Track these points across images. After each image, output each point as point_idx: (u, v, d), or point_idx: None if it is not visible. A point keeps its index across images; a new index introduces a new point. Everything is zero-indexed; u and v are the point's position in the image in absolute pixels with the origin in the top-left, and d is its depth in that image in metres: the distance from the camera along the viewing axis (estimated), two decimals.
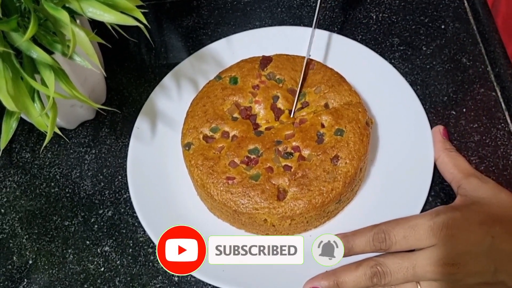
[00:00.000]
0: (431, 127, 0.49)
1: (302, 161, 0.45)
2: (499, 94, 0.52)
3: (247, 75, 0.51)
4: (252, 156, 0.46)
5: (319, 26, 0.59)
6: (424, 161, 0.47)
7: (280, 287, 0.43)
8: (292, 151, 0.46)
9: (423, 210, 0.45)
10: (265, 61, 0.51)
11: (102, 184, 0.52)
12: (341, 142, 0.45)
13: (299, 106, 0.49)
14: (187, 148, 0.48)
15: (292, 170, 0.45)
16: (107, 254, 0.48)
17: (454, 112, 0.51)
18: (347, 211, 0.47)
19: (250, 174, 0.45)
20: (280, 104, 0.49)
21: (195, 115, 0.49)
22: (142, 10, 0.39)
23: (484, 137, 0.49)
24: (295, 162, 0.45)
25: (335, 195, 0.44)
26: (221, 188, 0.45)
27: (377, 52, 0.54)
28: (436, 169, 0.47)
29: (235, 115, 0.49)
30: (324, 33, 0.56)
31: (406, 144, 0.49)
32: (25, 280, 0.47)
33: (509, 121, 0.50)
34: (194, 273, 0.44)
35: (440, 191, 0.47)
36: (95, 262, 0.47)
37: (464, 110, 0.51)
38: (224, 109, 0.49)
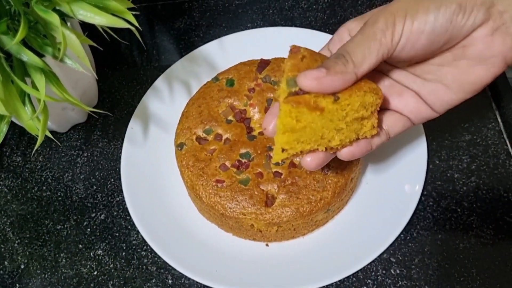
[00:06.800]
0: (425, 133, 0.48)
1: (292, 168, 0.44)
2: (489, 93, 0.52)
3: (243, 78, 0.50)
4: (243, 160, 0.45)
5: (311, 27, 0.59)
6: (417, 170, 0.46)
7: (274, 286, 0.43)
8: None
9: (413, 214, 0.45)
10: (263, 64, 0.51)
11: (95, 187, 0.52)
12: None
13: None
14: (179, 148, 0.48)
15: (282, 176, 0.44)
16: (100, 257, 0.48)
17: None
18: (336, 221, 0.47)
19: (240, 178, 0.44)
20: None
21: (189, 115, 0.49)
22: (133, 12, 0.39)
23: (475, 137, 0.50)
24: (286, 169, 0.44)
25: (323, 205, 0.43)
26: (210, 191, 0.44)
27: None
28: (427, 177, 0.46)
29: (230, 117, 0.48)
30: (316, 33, 0.56)
31: (399, 153, 0.48)
32: (17, 285, 0.47)
33: (499, 120, 0.50)
34: (187, 274, 0.44)
35: (433, 191, 0.47)
36: (88, 266, 0.47)
37: (455, 109, 0.52)
38: (219, 111, 0.49)
